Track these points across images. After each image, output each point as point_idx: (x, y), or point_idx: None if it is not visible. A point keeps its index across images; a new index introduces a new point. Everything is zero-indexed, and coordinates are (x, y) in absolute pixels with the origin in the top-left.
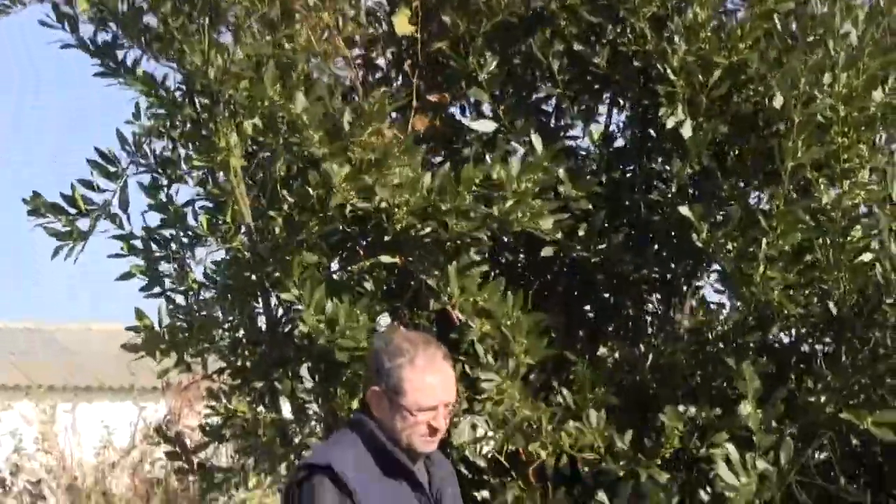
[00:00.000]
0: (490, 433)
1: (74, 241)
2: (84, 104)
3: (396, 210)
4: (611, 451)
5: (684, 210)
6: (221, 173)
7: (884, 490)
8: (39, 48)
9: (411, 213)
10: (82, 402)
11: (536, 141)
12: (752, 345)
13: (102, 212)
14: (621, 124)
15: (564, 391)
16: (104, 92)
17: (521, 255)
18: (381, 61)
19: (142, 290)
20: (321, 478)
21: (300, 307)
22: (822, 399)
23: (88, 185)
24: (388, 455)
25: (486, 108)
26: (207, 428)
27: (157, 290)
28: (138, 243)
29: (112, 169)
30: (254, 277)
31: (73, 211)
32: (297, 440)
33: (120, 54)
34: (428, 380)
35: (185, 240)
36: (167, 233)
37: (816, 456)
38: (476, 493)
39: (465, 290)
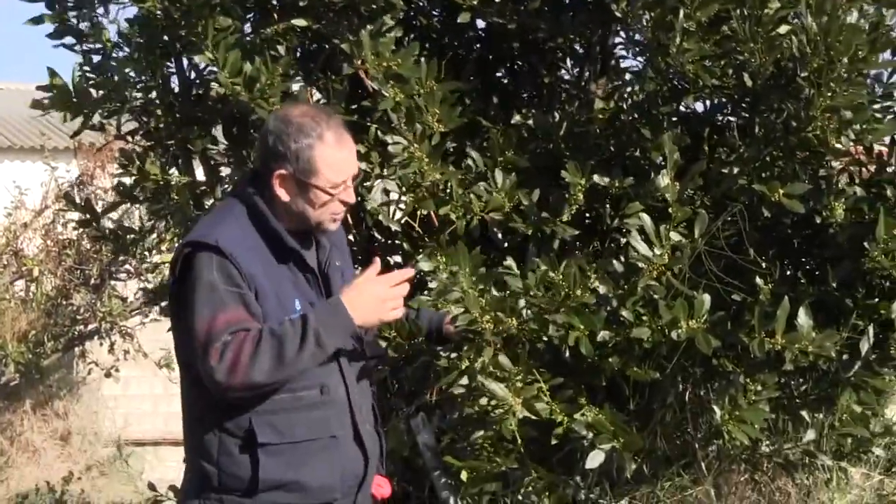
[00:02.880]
0: (402, 197)
1: None
2: None
3: None
4: (518, 209)
5: None
6: None
7: (792, 262)
8: None
9: None
10: None
11: None
12: (666, 115)
13: None
14: None
15: (475, 154)
16: None
17: (437, 21)
18: None
19: (50, 36)
20: (208, 254)
21: (215, 69)
22: (735, 170)
23: None
24: (276, 236)
25: None
26: (121, 188)
27: (68, 40)
28: None
29: None
30: (167, 38)
31: None
32: (209, 203)
33: None
34: (339, 155)
35: None
36: None
37: (727, 229)
38: (389, 258)
39: (378, 54)
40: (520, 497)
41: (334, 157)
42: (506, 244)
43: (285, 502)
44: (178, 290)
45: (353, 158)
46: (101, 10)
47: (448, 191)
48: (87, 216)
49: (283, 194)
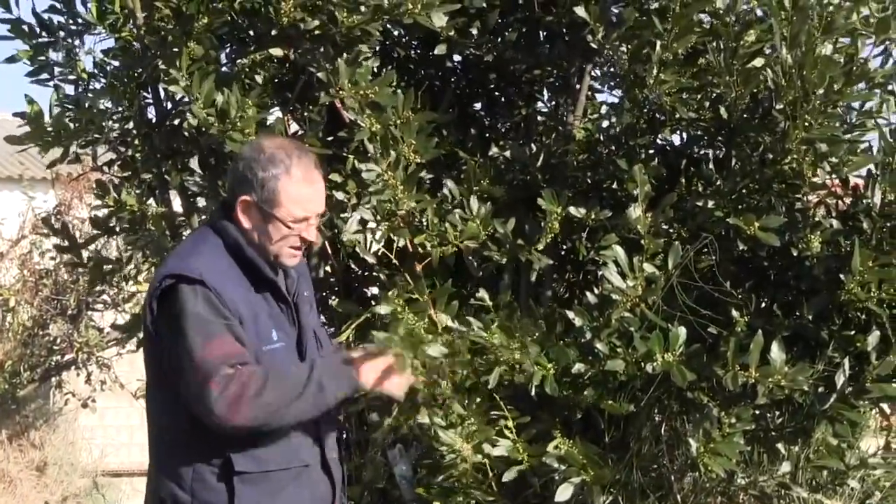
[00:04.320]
0: (377, 226)
1: None
2: None
3: (283, 3)
4: (493, 238)
5: (580, 11)
6: None
7: (768, 294)
8: None
9: (299, 6)
10: None
11: None
12: (642, 147)
13: None
14: None
15: (450, 183)
16: None
17: (414, 52)
18: None
19: (28, 75)
20: (192, 287)
21: (188, 100)
22: (711, 203)
23: None
24: (253, 266)
25: None
26: (96, 220)
27: (44, 76)
28: (27, 29)
29: None
30: (142, 69)
31: None
32: (186, 233)
33: None
34: (304, 191)
35: (73, 27)
36: (56, 19)
37: (702, 261)
38: (366, 290)
39: (355, 83)
40: None
41: (299, 192)
42: (480, 273)
43: None
44: (158, 319)
45: (320, 197)
46: (76, 42)
47: (424, 220)
48: (65, 242)
49: (244, 220)
